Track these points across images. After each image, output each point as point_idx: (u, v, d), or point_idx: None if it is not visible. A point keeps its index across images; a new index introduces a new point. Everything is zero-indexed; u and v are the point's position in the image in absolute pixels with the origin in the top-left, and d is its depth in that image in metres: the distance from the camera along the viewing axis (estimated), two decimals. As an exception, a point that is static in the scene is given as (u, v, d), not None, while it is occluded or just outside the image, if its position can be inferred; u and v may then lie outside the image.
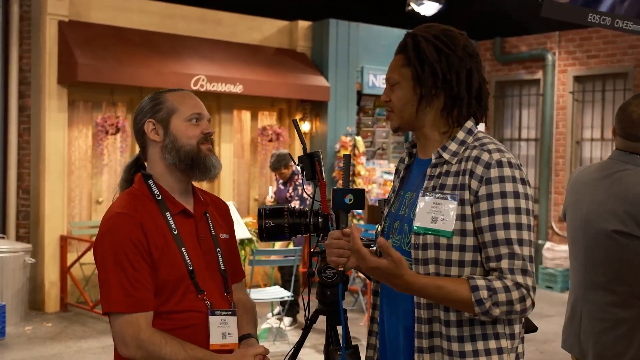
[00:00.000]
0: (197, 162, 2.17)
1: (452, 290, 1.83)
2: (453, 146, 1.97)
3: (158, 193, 2.17)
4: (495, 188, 1.85)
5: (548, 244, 9.97)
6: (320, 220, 2.27)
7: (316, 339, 6.37)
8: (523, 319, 2.01)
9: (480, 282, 1.82)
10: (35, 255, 7.55)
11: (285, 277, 7.40)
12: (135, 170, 2.27)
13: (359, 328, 6.80)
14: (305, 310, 2.39)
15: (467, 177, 1.89)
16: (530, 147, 10.72)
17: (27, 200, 7.92)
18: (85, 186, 8.30)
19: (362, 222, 9.10)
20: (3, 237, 7.57)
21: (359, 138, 9.57)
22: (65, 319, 7.43)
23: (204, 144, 2.19)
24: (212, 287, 2.17)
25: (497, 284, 1.81)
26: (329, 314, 2.31)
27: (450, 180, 1.93)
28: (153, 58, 8.08)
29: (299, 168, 8.15)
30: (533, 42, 10.52)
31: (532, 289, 1.82)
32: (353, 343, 2.29)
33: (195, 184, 2.31)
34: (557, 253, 9.80)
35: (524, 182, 1.88)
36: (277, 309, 7.31)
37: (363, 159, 9.57)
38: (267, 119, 9.75)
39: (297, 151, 8.98)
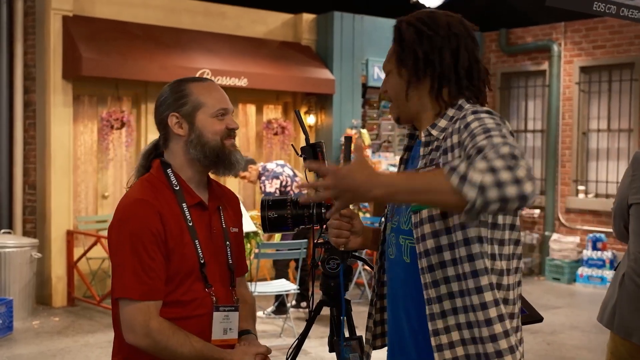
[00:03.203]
0: (222, 158, 2.16)
1: (425, 175, 1.70)
2: (442, 123, 1.94)
3: (176, 183, 2.16)
4: (473, 124, 1.76)
5: (555, 236, 9.95)
6: (323, 211, 2.25)
7: (323, 332, 6.37)
8: (519, 307, 1.96)
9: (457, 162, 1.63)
10: (41, 250, 7.57)
11: (280, 269, 7.46)
12: (155, 156, 2.25)
13: (364, 321, 6.77)
14: (309, 301, 2.38)
15: (449, 139, 1.85)
16: (536, 139, 10.68)
17: (33, 195, 7.94)
18: (91, 181, 8.31)
19: (367, 215, 9.10)
20: (10, 232, 7.59)
21: (364, 131, 9.55)
22: (73, 314, 7.46)
23: (228, 139, 2.18)
24: (219, 281, 2.17)
25: (480, 163, 1.58)
26: (333, 304, 2.31)
27: (438, 155, 1.90)
28: (157, 52, 8.08)
29: (266, 165, 8.16)
30: (539, 33, 10.47)
31: (527, 177, 1.55)
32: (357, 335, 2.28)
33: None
34: (563, 244, 9.78)
35: (502, 120, 1.79)
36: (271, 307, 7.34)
37: (369, 152, 9.56)
38: (272, 113, 9.75)
39: (303, 143, 8.97)
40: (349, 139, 2.20)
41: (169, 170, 2.17)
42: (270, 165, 7.61)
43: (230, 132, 2.18)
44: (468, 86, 1.97)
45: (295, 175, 7.64)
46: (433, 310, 1.90)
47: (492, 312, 1.85)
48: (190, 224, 2.12)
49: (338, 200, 1.67)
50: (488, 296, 1.85)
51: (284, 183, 7.46)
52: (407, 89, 1.98)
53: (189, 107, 2.15)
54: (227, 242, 2.23)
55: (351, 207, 2.12)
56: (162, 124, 2.20)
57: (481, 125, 1.75)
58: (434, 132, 1.94)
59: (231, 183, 9.01)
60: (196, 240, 2.12)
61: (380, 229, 2.18)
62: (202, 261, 2.11)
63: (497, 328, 1.85)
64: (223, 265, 2.21)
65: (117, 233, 2.08)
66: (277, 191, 7.40)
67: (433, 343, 1.90)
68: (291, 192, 7.47)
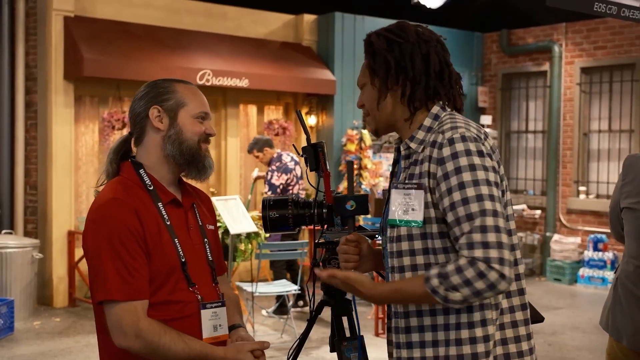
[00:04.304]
0: (197, 160, 2.15)
1: (410, 289, 1.83)
2: (420, 134, 1.96)
3: (150, 183, 2.13)
4: (450, 166, 1.81)
5: (556, 237, 9.94)
6: (324, 211, 2.26)
7: (323, 332, 6.37)
8: (526, 317, 1.95)
9: (433, 271, 1.78)
10: (43, 251, 7.58)
11: (277, 270, 7.47)
12: (124, 152, 2.22)
13: (366, 322, 6.80)
14: (310, 302, 2.38)
15: (427, 163, 1.88)
16: (537, 140, 10.68)
17: (35, 195, 7.95)
18: (92, 181, 8.31)
19: (369, 216, 9.10)
20: (11, 233, 7.59)
21: (365, 131, 9.55)
22: (74, 314, 7.46)
23: (204, 143, 2.18)
24: (201, 279, 2.15)
25: (450, 267, 1.76)
26: (334, 305, 2.31)
27: (417, 169, 1.92)
28: (159, 53, 8.08)
29: (282, 155, 8.16)
30: (540, 34, 10.47)
31: (498, 260, 1.72)
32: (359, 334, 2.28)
33: None
34: (565, 245, 9.77)
35: (481, 154, 1.83)
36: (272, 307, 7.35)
37: (369, 153, 9.56)
38: (273, 113, 9.75)
39: (304, 143, 8.96)
40: (350, 164, 2.23)
41: (141, 171, 2.14)
42: (286, 158, 7.58)
43: (207, 138, 2.19)
44: (438, 87, 1.98)
45: (300, 177, 7.64)
46: (398, 324, 1.94)
47: (464, 334, 1.85)
48: (168, 223, 2.10)
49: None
50: (463, 318, 1.86)
51: (289, 181, 7.46)
52: (379, 97, 2.00)
53: (173, 104, 2.15)
54: (206, 239, 2.22)
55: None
56: (139, 116, 2.17)
57: (457, 173, 1.80)
58: (413, 145, 1.96)
59: (232, 179, 9.02)
60: (175, 239, 2.09)
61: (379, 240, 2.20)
62: (183, 260, 2.09)
63: (466, 349, 1.85)
64: (203, 262, 2.18)
65: (94, 236, 2.03)
66: (281, 187, 7.39)
67: (394, 355, 1.95)
68: (291, 192, 7.45)
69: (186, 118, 2.15)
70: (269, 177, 7.47)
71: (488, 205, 1.77)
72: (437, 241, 1.86)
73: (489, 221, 1.75)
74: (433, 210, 1.86)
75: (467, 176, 1.79)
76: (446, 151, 1.82)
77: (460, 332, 1.85)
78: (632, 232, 3.15)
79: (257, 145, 7.66)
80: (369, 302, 1.90)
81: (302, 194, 7.64)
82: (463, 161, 1.80)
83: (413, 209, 1.88)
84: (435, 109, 1.97)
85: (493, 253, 1.72)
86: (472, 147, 1.82)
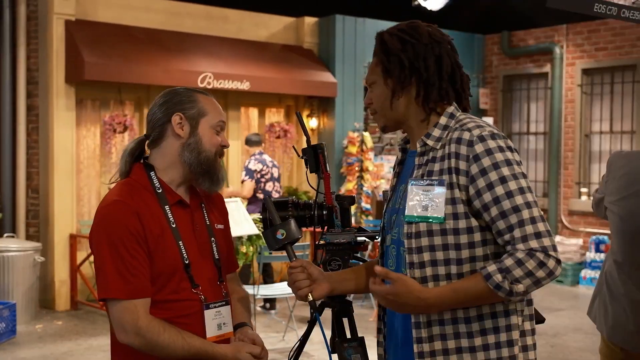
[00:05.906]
0: (212, 172, 2.20)
1: (468, 287, 1.84)
2: (436, 132, 1.98)
3: (159, 185, 2.18)
4: (486, 162, 1.86)
5: (557, 238, 9.93)
6: (324, 212, 2.27)
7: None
8: (531, 312, 1.98)
9: (492, 268, 1.81)
10: (45, 254, 7.58)
11: (268, 275, 7.54)
12: (138, 154, 2.27)
13: (367, 324, 6.79)
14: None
15: (452, 159, 1.90)
16: (538, 141, 10.68)
17: (37, 199, 7.96)
18: (93, 185, 8.33)
19: (370, 218, 9.10)
20: (13, 236, 7.60)
21: (366, 134, 9.56)
22: (76, 317, 7.46)
23: (219, 157, 2.23)
24: (206, 279, 2.19)
25: (509, 261, 1.80)
26: (335, 306, 2.31)
27: (437, 166, 1.94)
28: (160, 56, 8.09)
29: (264, 154, 8.42)
30: (541, 35, 10.47)
31: (552, 248, 1.81)
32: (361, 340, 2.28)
33: None
34: (566, 247, 9.77)
35: (511, 149, 1.89)
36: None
37: (371, 155, 9.56)
38: (275, 116, 9.76)
39: (305, 146, 8.96)
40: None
41: (152, 173, 2.20)
42: (266, 157, 8.00)
43: (222, 150, 2.24)
44: (452, 90, 2.01)
45: (277, 179, 7.98)
46: (419, 319, 1.93)
47: (488, 324, 1.89)
48: (174, 226, 2.15)
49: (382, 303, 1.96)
50: (485, 308, 1.89)
51: (263, 172, 7.83)
52: (392, 97, 2.02)
53: (195, 112, 2.20)
54: (213, 239, 2.26)
55: (352, 209, 2.13)
56: (160, 121, 2.21)
57: (496, 168, 1.85)
58: (430, 142, 1.98)
59: (233, 182, 9.02)
60: (180, 242, 2.14)
61: (360, 266, 2.20)
62: (186, 262, 2.14)
63: (491, 338, 1.88)
64: (209, 262, 2.23)
65: (97, 236, 2.11)
66: (257, 174, 7.78)
67: (415, 350, 1.94)
68: (263, 187, 7.83)
69: (206, 128, 2.20)
70: (246, 163, 7.91)
71: (530, 197, 1.85)
72: (457, 237, 1.88)
73: (535, 212, 1.83)
74: (460, 206, 1.89)
75: (506, 171, 1.85)
76: (479, 148, 1.87)
77: (487, 337, 1.89)
78: (612, 229, 3.25)
79: (246, 140, 8.16)
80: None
81: (276, 196, 7.81)
82: (499, 157, 1.86)
83: (433, 206, 1.90)
84: (451, 109, 2.01)
85: (546, 242, 1.81)
86: (502, 143, 1.89)
